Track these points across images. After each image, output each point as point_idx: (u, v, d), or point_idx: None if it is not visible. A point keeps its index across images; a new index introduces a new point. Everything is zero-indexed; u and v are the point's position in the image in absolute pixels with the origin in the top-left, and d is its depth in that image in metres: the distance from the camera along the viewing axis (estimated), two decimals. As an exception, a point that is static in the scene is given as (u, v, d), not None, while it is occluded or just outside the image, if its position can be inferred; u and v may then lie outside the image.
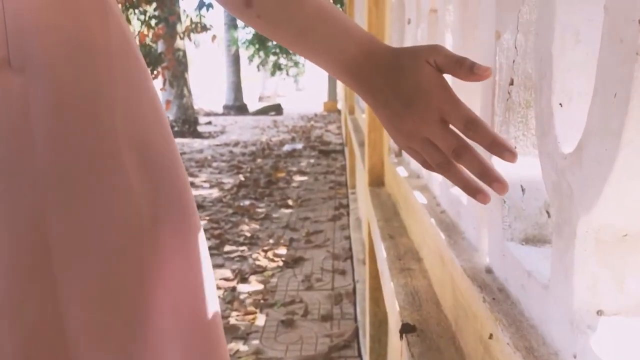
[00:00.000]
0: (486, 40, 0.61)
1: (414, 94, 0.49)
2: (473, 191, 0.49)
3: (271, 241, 3.30)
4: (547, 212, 0.57)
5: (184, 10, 8.19)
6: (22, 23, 0.43)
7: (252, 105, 14.97)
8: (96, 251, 0.45)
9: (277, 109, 13.71)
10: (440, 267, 0.77)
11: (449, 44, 0.87)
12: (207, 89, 20.52)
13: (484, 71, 0.48)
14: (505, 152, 0.46)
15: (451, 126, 0.49)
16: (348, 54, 0.52)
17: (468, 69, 0.48)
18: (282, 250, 3.13)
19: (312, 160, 6.40)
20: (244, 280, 2.71)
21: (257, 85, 20.57)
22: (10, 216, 0.43)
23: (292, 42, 0.54)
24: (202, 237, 0.55)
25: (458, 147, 0.48)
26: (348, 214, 3.85)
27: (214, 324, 0.54)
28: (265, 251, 3.11)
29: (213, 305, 0.54)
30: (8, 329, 0.43)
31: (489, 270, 0.61)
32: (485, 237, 0.65)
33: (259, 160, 6.39)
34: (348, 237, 3.33)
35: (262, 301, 2.45)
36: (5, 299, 0.42)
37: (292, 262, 2.92)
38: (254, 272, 2.80)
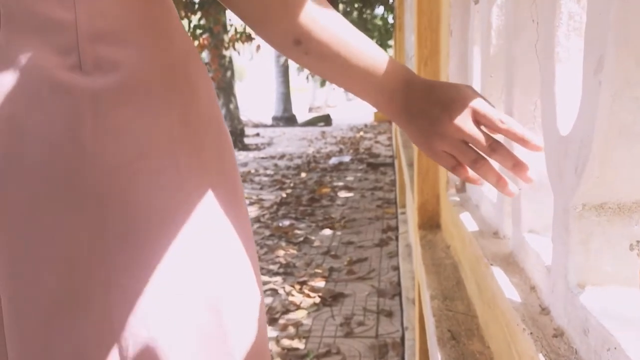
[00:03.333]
0: None
1: (452, 99, 0.55)
2: (504, 184, 0.54)
3: (308, 271, 2.92)
4: None
5: (229, 20, 7.99)
6: (95, 29, 0.45)
7: (302, 116, 14.73)
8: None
9: (326, 120, 13.40)
10: None
11: (572, 18, 0.46)
12: (258, 100, 20.51)
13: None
14: (532, 143, 0.51)
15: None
16: (389, 82, 0.56)
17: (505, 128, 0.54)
18: (320, 283, 2.74)
19: (359, 174, 5.99)
20: (273, 321, 2.33)
21: (307, 96, 20.40)
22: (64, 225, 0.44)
23: (336, 74, 0.57)
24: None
25: (493, 142, 0.54)
26: (397, 238, 3.42)
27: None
28: (301, 284, 2.72)
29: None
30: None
31: None
32: None
33: (303, 174, 6.05)
34: (396, 268, 2.91)
35: (290, 352, 2.06)
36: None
37: (331, 299, 2.53)
38: (286, 311, 2.42)
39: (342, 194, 4.96)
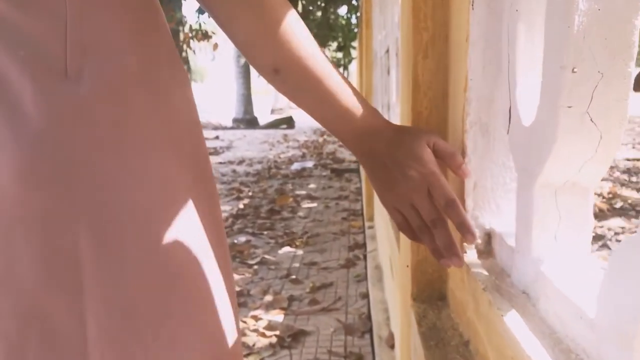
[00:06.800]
0: None
1: (411, 165, 0.57)
2: (439, 255, 0.57)
3: (265, 301, 2.53)
4: None
5: (184, 17, 7.50)
6: (84, 35, 0.45)
7: (264, 118, 14.30)
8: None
9: (288, 122, 13.02)
10: None
11: None
12: (219, 101, 19.92)
13: (464, 175, 0.60)
14: (469, 234, 0.55)
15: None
16: (358, 124, 0.58)
17: (456, 166, 0.60)
18: (278, 316, 2.35)
19: (323, 182, 5.63)
20: (219, 371, 1.93)
21: (270, 98, 19.95)
22: (44, 224, 0.44)
23: (310, 106, 0.58)
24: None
25: (436, 219, 0.56)
26: (365, 257, 3.07)
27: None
28: (255, 319, 2.33)
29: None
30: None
31: None
32: None
33: (262, 182, 5.64)
34: (366, 296, 2.55)
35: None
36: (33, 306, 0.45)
37: (290, 339, 2.14)
38: (236, 356, 2.02)
39: (305, 204, 4.58)
